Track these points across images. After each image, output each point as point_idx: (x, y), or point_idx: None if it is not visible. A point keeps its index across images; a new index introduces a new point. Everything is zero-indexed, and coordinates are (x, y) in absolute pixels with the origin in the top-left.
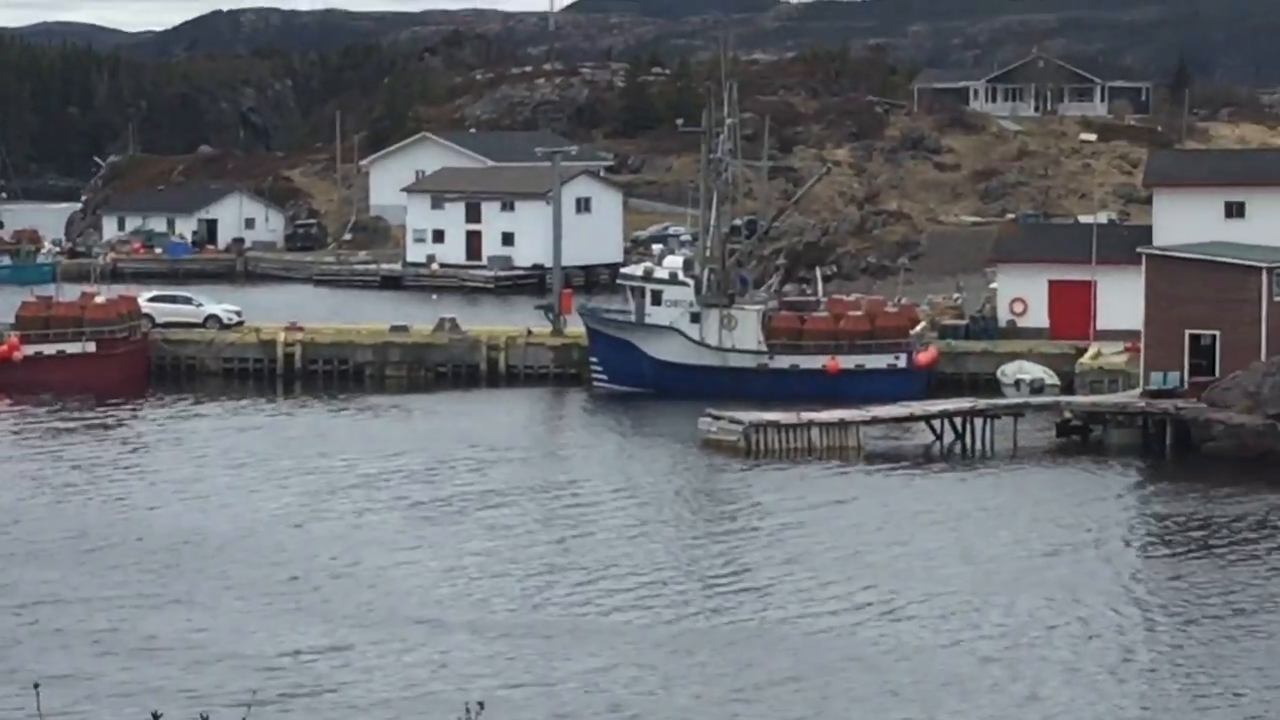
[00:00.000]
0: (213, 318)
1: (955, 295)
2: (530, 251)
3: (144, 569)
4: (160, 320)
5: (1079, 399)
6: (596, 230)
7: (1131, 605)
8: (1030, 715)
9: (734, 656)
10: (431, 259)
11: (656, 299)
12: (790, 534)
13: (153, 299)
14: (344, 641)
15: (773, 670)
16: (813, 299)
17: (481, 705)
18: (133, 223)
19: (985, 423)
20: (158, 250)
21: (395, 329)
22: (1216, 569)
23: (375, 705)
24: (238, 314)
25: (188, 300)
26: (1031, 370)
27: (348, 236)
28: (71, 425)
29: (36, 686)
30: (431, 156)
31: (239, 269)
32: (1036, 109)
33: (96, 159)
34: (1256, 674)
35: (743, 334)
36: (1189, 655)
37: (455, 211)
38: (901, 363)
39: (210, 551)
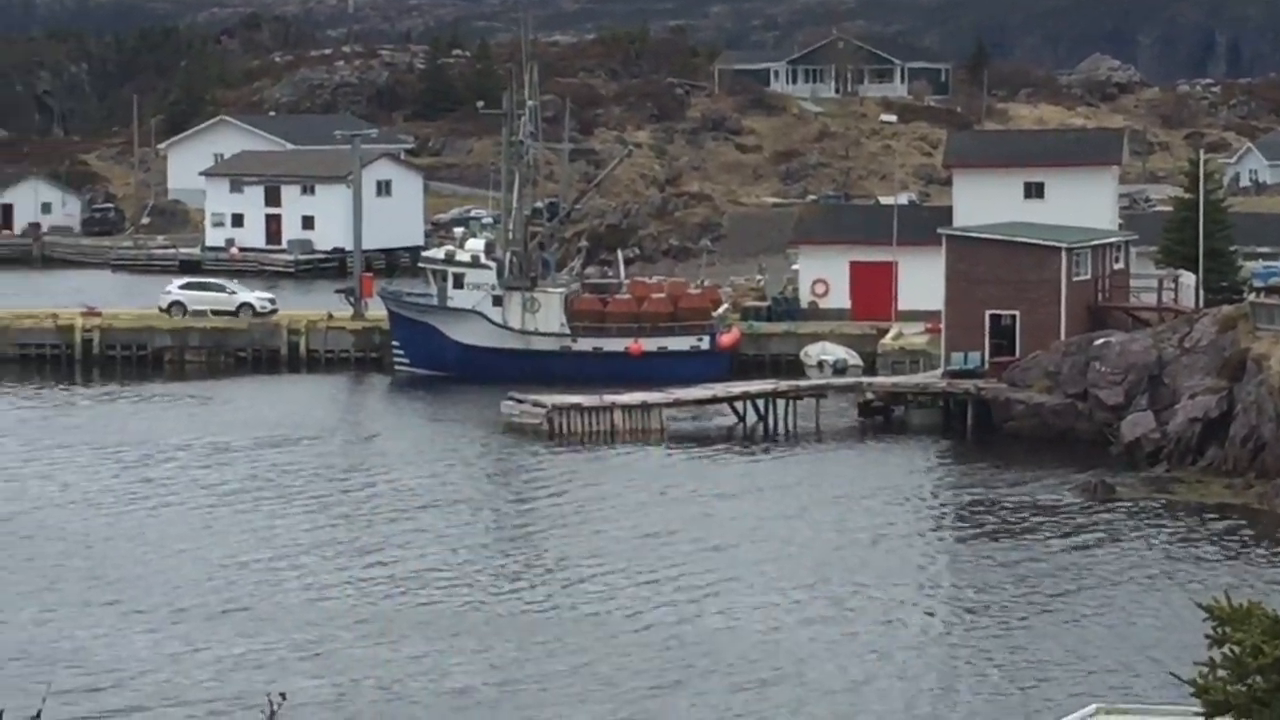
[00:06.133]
0: (246, 305)
1: (757, 277)
2: (331, 235)
3: None
4: (192, 308)
5: (881, 379)
6: (397, 213)
7: (932, 586)
8: (833, 697)
9: (529, 641)
10: (231, 243)
11: (458, 282)
12: (592, 517)
13: (184, 286)
14: (133, 632)
15: (564, 654)
16: (615, 281)
17: (284, 696)
18: None
19: (788, 404)
20: None
21: (194, 314)
22: (1017, 549)
23: (169, 699)
24: (271, 301)
25: (220, 288)
26: (834, 351)
27: (146, 221)
28: None
29: None
30: (230, 140)
31: (35, 254)
32: (837, 90)
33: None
34: (1059, 650)
35: (545, 317)
36: (989, 635)
37: (255, 195)
38: (704, 345)
39: (10, 542)
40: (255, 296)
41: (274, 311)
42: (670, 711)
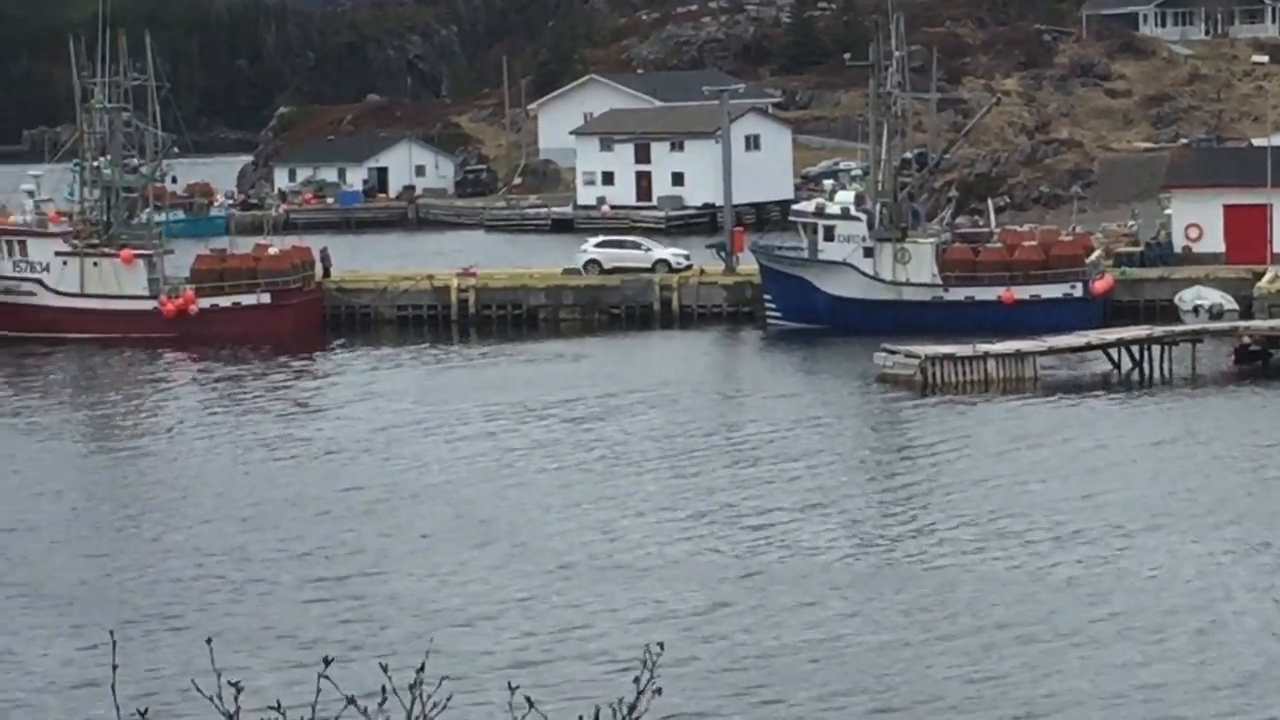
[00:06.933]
0: (661, 262)
1: (1130, 222)
2: (701, 191)
3: (334, 522)
4: (608, 265)
5: (1258, 323)
6: (766, 168)
7: None
8: (1226, 648)
9: (918, 595)
10: (602, 201)
11: (829, 235)
12: (970, 468)
13: (600, 244)
14: (531, 587)
15: (951, 608)
16: (986, 230)
17: (661, 646)
18: (304, 173)
19: (1163, 350)
20: (329, 200)
21: (568, 272)
22: None
23: (557, 645)
24: (686, 258)
25: (635, 245)
26: (1209, 295)
27: (518, 181)
28: (249, 377)
29: (209, 641)
30: (599, 98)
31: (410, 217)
32: (1206, 32)
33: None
34: None
35: (917, 267)
36: None
37: (624, 153)
38: (1077, 292)
39: (401, 503)
40: (670, 253)
41: (689, 268)
42: (1078, 662)
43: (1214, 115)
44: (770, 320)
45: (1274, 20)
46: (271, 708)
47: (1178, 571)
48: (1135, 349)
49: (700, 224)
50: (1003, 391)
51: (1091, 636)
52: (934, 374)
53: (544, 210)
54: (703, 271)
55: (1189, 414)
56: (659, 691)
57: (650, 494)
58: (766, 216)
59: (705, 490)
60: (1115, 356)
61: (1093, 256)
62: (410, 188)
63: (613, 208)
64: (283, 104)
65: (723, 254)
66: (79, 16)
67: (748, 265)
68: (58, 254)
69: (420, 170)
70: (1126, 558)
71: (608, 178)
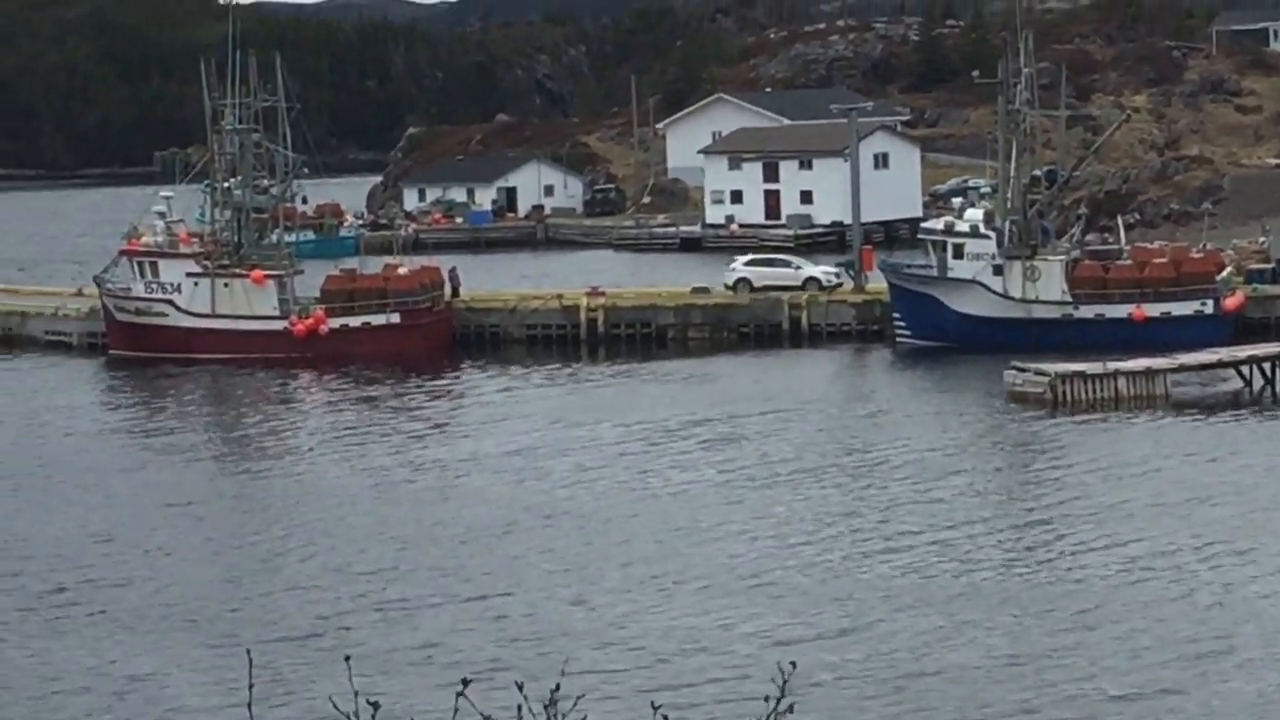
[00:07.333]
0: (812, 280)
1: (1261, 239)
2: (829, 209)
3: (467, 541)
4: (758, 284)
5: None
6: (895, 185)
7: None
8: None
9: (1059, 615)
10: (730, 219)
11: (958, 253)
12: (1101, 485)
13: (749, 262)
14: (663, 604)
15: (1096, 627)
16: (1115, 247)
17: (794, 665)
18: (433, 193)
19: None
20: (458, 220)
21: (696, 291)
22: None
23: (688, 663)
24: (836, 275)
25: (786, 263)
26: None
27: (646, 200)
28: (382, 397)
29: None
30: (727, 117)
31: (539, 236)
32: None
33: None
34: None
35: (1046, 285)
36: None
37: (753, 171)
38: (1208, 309)
39: (537, 524)
40: (820, 271)
41: (839, 285)
42: (1217, 681)
43: None
44: (899, 339)
45: None
46: None
47: None
48: (1267, 366)
49: (828, 242)
50: (1133, 409)
51: (1243, 656)
52: (1064, 392)
53: (672, 229)
54: (828, 290)
55: None
56: (790, 710)
57: (784, 514)
58: (895, 234)
59: (839, 510)
60: (1247, 374)
61: (1224, 273)
62: (539, 207)
63: (741, 226)
64: (412, 124)
65: (852, 272)
66: (209, 38)
67: (876, 283)
68: (189, 275)
69: (549, 190)
70: (1273, 577)
71: (736, 196)
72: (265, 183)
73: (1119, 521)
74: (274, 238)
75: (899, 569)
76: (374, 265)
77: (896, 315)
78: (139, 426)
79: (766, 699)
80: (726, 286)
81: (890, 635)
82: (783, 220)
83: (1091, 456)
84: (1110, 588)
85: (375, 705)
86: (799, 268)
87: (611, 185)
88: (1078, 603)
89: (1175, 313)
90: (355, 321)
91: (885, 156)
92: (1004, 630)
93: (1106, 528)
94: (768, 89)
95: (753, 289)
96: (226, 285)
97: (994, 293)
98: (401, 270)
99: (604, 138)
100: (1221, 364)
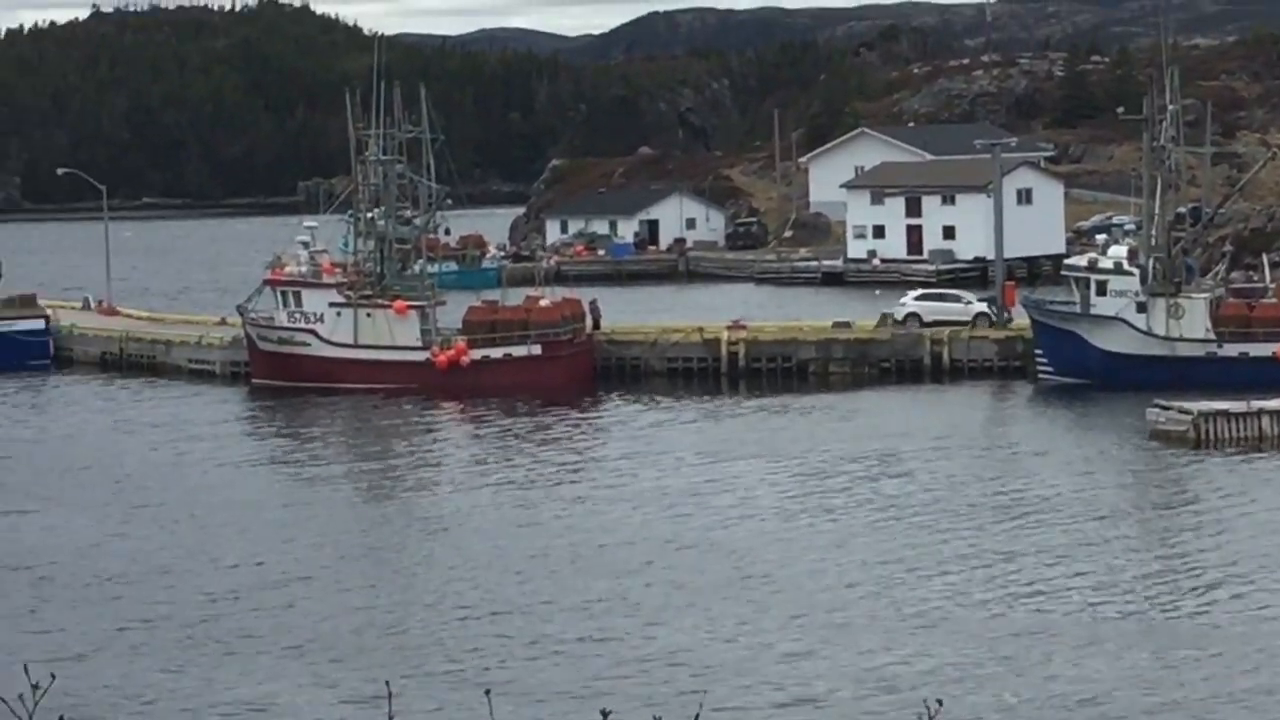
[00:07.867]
0: (982, 315)
1: None
2: (972, 244)
3: (611, 576)
4: (928, 319)
5: None
6: (1038, 221)
7: None
8: None
9: (1206, 655)
10: (873, 254)
11: (1101, 289)
12: (1242, 525)
13: (919, 297)
14: (809, 642)
15: (1243, 670)
16: (1260, 285)
17: (940, 703)
18: (575, 225)
19: None
20: (600, 252)
21: (838, 325)
22: None
23: (835, 701)
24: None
25: (956, 298)
26: None
27: (788, 234)
28: (524, 429)
29: (488, 692)
30: (870, 151)
31: (681, 269)
32: None
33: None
34: None
35: (1190, 322)
36: None
37: (895, 206)
38: None
39: (678, 558)
40: (990, 306)
41: (1010, 321)
42: None
43: None
44: (1041, 375)
45: None
46: None
47: None
48: None
49: (971, 278)
50: (1277, 448)
51: None
52: (1207, 430)
53: (814, 263)
54: (974, 326)
55: None
56: None
57: (927, 549)
58: (1038, 271)
59: (982, 546)
60: None
61: None
62: (681, 240)
63: (883, 261)
64: (555, 156)
65: (994, 308)
66: (354, 69)
67: (1020, 320)
68: (332, 305)
69: (691, 223)
70: None
71: (878, 231)
72: (408, 214)
73: (1263, 562)
74: (416, 268)
75: (1043, 605)
76: (516, 297)
77: (1039, 351)
78: (283, 457)
79: None
80: (896, 321)
81: (1030, 669)
82: (925, 255)
83: (1236, 496)
84: (1256, 627)
85: None
86: (969, 303)
87: (753, 219)
88: (1221, 642)
89: None
90: (497, 353)
91: (1029, 192)
92: (1141, 668)
93: (1252, 567)
94: (911, 124)
95: (922, 324)
96: (369, 315)
97: (1137, 330)
98: (543, 302)
99: (746, 171)
100: None
